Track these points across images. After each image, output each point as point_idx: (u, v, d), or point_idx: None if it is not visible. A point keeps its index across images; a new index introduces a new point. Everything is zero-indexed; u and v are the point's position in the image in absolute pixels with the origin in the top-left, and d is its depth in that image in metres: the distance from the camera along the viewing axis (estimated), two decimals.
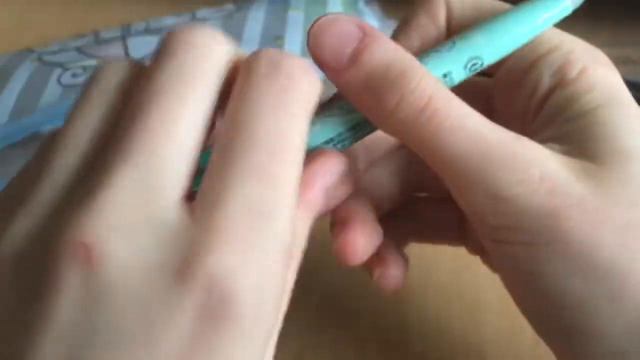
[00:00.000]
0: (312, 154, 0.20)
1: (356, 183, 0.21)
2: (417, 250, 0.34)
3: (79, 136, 0.17)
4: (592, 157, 0.19)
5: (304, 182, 0.18)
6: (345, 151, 0.21)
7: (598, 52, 0.21)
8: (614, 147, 0.19)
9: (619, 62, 0.22)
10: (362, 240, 0.22)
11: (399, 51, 0.19)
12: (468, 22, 0.21)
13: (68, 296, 0.14)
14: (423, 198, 0.27)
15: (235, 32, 0.40)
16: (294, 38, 0.39)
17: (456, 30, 0.22)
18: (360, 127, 0.21)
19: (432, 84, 0.19)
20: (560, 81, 0.20)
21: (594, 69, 0.20)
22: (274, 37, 0.39)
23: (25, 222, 0.15)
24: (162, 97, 0.16)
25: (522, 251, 0.19)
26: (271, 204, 0.16)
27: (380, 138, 0.22)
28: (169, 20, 0.44)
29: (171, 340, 0.14)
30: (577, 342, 0.20)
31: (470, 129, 0.18)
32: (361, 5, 0.43)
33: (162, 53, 0.17)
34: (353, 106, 0.20)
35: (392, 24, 0.42)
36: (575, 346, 0.20)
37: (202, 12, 0.45)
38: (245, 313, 0.14)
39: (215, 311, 0.14)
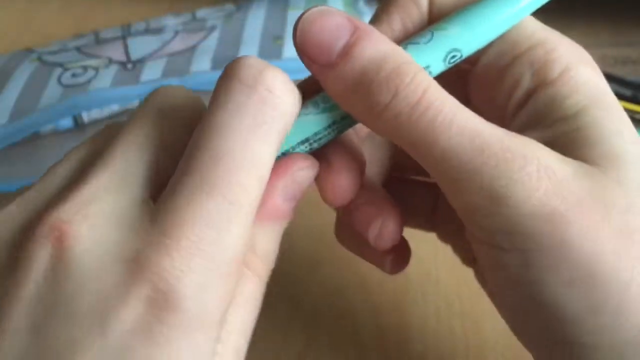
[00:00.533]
0: (280, 161, 0.19)
1: (362, 172, 0.21)
2: (417, 251, 0.34)
3: (81, 151, 0.19)
4: (583, 161, 0.18)
5: (267, 192, 0.18)
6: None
7: (581, 50, 0.20)
8: (604, 151, 0.18)
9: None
10: (344, 180, 0.21)
11: (391, 45, 0.19)
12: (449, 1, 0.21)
13: (38, 270, 0.16)
14: (397, 179, 0.26)
15: (235, 32, 0.40)
16: None
17: (438, 10, 0.21)
18: (337, 124, 0.20)
19: (427, 79, 0.18)
20: (542, 81, 0.20)
21: (577, 69, 0.19)
22: (274, 37, 0.39)
23: (13, 209, 0.17)
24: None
25: (518, 258, 0.18)
26: (225, 217, 0.16)
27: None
28: (169, 20, 0.44)
29: (122, 322, 0.15)
30: (571, 353, 0.19)
31: (465, 124, 0.18)
32: (361, 5, 0.43)
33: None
34: (329, 104, 0.19)
35: None
36: (568, 357, 0.19)
37: (202, 12, 0.45)
38: (186, 307, 0.16)
39: (160, 303, 0.16)
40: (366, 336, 0.30)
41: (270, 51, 0.38)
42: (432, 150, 0.18)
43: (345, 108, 0.19)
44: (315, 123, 0.20)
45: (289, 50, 0.38)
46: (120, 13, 0.49)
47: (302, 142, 0.20)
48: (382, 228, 0.22)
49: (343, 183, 0.21)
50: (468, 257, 0.26)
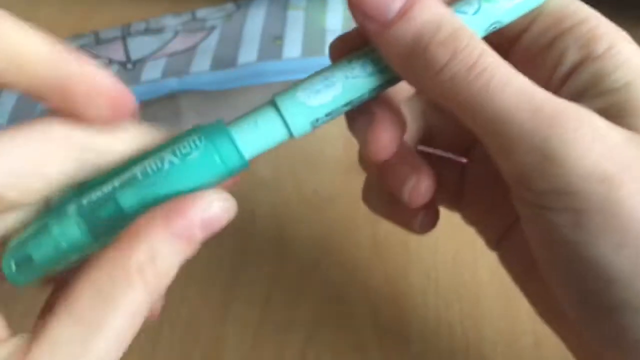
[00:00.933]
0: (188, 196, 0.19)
1: (404, 128, 0.22)
2: (417, 251, 0.34)
3: None
4: (632, 130, 0.19)
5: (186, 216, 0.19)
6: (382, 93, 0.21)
7: (620, 29, 0.21)
8: None
9: None
10: (388, 134, 0.22)
11: (447, 10, 0.19)
12: None
13: None
14: (424, 154, 0.27)
15: (235, 32, 0.40)
16: (294, 37, 0.39)
17: None
18: (382, 87, 0.20)
19: (480, 44, 0.19)
20: (588, 56, 0.20)
21: (621, 45, 0.20)
22: (273, 37, 0.39)
23: None
24: None
25: (569, 219, 0.18)
26: (82, 348, 0.17)
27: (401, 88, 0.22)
28: (169, 20, 0.44)
29: None
30: (618, 318, 0.19)
31: (519, 86, 0.18)
32: None
33: None
34: (378, 67, 0.20)
35: None
36: (615, 323, 0.19)
37: (202, 12, 0.45)
38: None
39: None
40: (366, 336, 0.30)
41: (270, 51, 0.38)
42: (487, 110, 0.18)
43: (398, 69, 0.20)
44: (362, 86, 0.20)
45: (289, 51, 0.38)
46: (120, 13, 0.49)
47: (346, 105, 0.20)
48: (417, 183, 0.23)
49: (387, 137, 0.22)
50: (493, 239, 0.26)
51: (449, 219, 0.35)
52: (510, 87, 0.18)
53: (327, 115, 0.20)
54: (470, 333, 0.30)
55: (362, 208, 0.36)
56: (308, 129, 0.20)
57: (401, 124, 0.22)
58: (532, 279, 0.24)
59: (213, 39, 0.40)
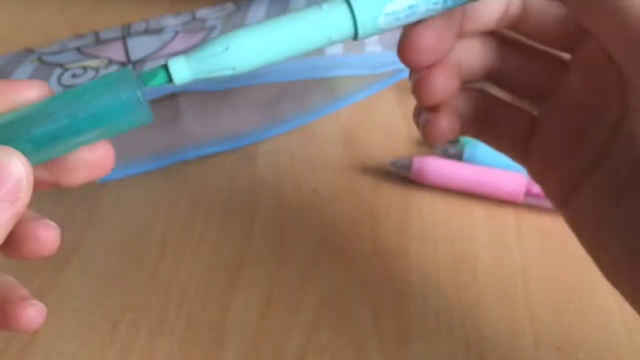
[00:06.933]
0: None
1: (454, 42, 0.22)
2: (417, 252, 0.34)
3: None
4: None
5: None
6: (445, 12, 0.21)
7: None
8: None
9: None
10: (440, 80, 0.23)
11: None
12: None
13: None
14: (496, 101, 0.27)
15: None
16: None
17: None
18: None
19: None
20: None
21: None
22: None
23: None
24: None
25: None
26: None
27: (479, 13, 0.22)
28: (169, 20, 0.44)
29: None
30: None
31: None
32: None
33: None
34: None
35: None
36: None
37: (202, 12, 0.45)
38: None
39: None
40: (366, 336, 0.30)
41: None
42: (633, 5, 0.17)
43: None
44: None
45: None
46: (120, 13, 0.49)
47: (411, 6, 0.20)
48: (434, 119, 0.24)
49: (440, 82, 0.23)
50: (559, 196, 0.25)
51: (449, 219, 0.35)
52: None
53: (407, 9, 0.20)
54: (470, 333, 0.30)
55: (362, 208, 0.36)
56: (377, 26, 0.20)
57: (455, 78, 0.23)
58: (600, 239, 0.23)
59: None
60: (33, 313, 0.20)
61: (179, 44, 0.40)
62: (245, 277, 0.33)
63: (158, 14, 0.46)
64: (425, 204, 0.36)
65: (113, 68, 0.39)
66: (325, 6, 0.19)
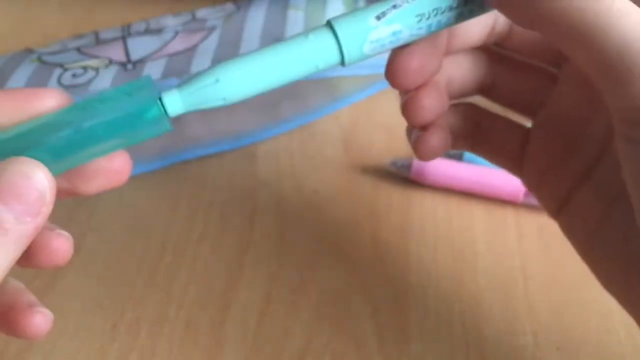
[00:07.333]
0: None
1: (440, 63, 0.22)
2: (417, 251, 0.34)
3: None
4: None
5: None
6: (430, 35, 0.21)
7: None
8: None
9: None
10: (429, 100, 0.23)
11: None
12: None
13: None
14: (488, 115, 0.27)
15: (235, 32, 0.40)
16: None
17: None
18: (455, 10, 0.20)
19: None
20: None
21: None
22: (274, 37, 0.39)
23: None
24: None
25: None
26: None
27: (465, 31, 0.22)
28: (169, 20, 0.44)
29: None
30: None
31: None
32: (361, 4, 0.43)
33: None
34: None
35: None
36: None
37: (202, 12, 0.45)
38: None
39: None
40: (366, 336, 0.30)
41: None
42: (607, 37, 0.17)
43: (503, 4, 0.19)
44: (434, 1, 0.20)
45: None
46: (120, 13, 0.49)
47: (418, 17, 0.20)
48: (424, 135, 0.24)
49: (428, 103, 0.23)
50: (554, 206, 0.26)
51: (449, 219, 0.35)
52: (631, 14, 0.17)
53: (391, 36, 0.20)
54: (470, 333, 0.30)
55: (362, 208, 0.36)
56: (363, 52, 0.20)
57: (443, 99, 0.23)
58: (595, 246, 0.23)
59: (213, 39, 0.40)
60: (39, 320, 0.20)
61: (179, 44, 0.40)
62: (245, 277, 0.33)
63: (158, 14, 0.46)
64: (425, 204, 0.36)
65: (113, 68, 0.39)
66: (311, 36, 0.20)
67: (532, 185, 0.26)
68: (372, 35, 0.20)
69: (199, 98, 0.19)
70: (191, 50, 0.39)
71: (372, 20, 0.20)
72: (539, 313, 0.31)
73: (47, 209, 0.18)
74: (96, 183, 0.20)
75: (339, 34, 0.19)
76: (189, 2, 0.47)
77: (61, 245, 0.20)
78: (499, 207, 0.36)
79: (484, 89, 0.26)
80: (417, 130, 0.25)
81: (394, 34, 0.20)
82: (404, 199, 0.36)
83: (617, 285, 0.23)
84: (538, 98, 0.25)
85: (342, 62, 0.20)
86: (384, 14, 0.20)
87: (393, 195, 0.36)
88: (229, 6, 0.45)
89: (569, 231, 0.25)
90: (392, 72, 0.23)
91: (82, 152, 0.19)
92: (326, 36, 0.20)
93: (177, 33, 0.42)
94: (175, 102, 0.19)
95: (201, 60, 0.38)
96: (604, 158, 0.23)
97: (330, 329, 0.31)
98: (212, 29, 0.41)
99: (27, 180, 0.17)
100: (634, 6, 0.18)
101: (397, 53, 0.22)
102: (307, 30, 0.20)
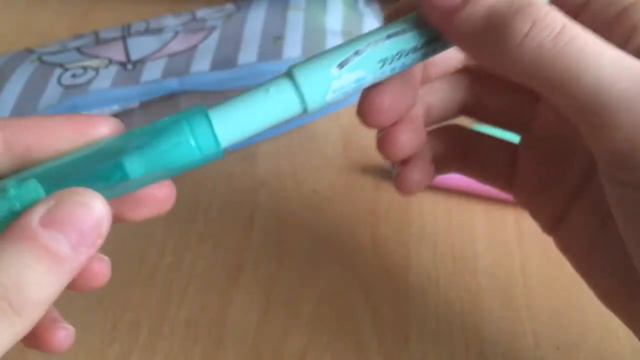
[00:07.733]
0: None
1: (415, 97, 0.21)
2: (417, 251, 0.34)
3: None
4: None
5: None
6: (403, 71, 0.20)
7: None
8: None
9: None
10: (405, 136, 0.22)
11: None
12: None
13: None
14: (477, 134, 0.26)
15: (235, 32, 0.40)
16: (294, 38, 0.39)
17: None
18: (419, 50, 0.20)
19: (561, 14, 0.17)
20: None
21: None
22: (273, 37, 0.39)
23: None
24: None
25: None
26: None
27: (443, 59, 0.22)
28: (169, 21, 0.44)
29: None
30: None
31: (614, 54, 0.17)
32: (361, 5, 0.43)
33: None
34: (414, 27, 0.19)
35: None
36: None
37: (202, 12, 0.45)
38: None
39: None
40: (366, 336, 0.30)
41: (270, 51, 0.38)
42: (581, 81, 0.17)
43: (471, 50, 0.19)
44: (403, 42, 0.19)
45: (289, 51, 0.38)
46: (120, 13, 0.49)
47: (381, 62, 0.19)
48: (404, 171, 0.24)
49: (404, 139, 0.23)
50: (548, 223, 0.25)
51: (449, 219, 0.35)
52: (607, 55, 0.17)
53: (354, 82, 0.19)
54: (470, 333, 0.30)
55: (362, 208, 0.36)
56: (324, 100, 0.19)
57: (420, 134, 0.23)
58: (592, 263, 0.23)
59: (213, 39, 0.40)
60: (63, 336, 0.20)
61: (179, 44, 0.40)
62: (245, 277, 0.33)
63: (158, 14, 0.46)
64: (425, 204, 0.36)
65: (113, 68, 0.39)
66: (272, 89, 0.19)
67: (524, 203, 0.26)
68: (335, 84, 0.19)
69: (165, 160, 0.19)
70: (191, 50, 0.39)
71: (334, 70, 0.19)
72: (539, 313, 0.31)
73: (101, 240, 0.17)
74: (143, 210, 0.20)
75: (302, 88, 0.19)
76: (189, 2, 0.48)
77: (101, 269, 0.20)
78: (499, 207, 0.36)
79: (467, 110, 0.26)
80: (397, 165, 0.24)
81: (357, 80, 0.19)
82: (404, 199, 0.36)
83: (617, 300, 0.22)
84: (524, 115, 0.25)
85: (305, 111, 0.19)
86: (346, 61, 0.19)
87: (393, 195, 0.36)
88: (229, 6, 0.45)
89: (565, 248, 0.25)
90: (363, 112, 0.22)
91: (134, 181, 0.18)
92: (287, 89, 0.19)
93: (177, 33, 0.42)
94: (137, 167, 0.19)
95: (201, 61, 0.38)
96: (595, 175, 0.22)
97: (330, 329, 0.31)
98: (212, 29, 0.41)
99: (86, 211, 0.17)
100: (605, 43, 0.17)
101: (367, 92, 0.21)
102: (267, 83, 0.19)
